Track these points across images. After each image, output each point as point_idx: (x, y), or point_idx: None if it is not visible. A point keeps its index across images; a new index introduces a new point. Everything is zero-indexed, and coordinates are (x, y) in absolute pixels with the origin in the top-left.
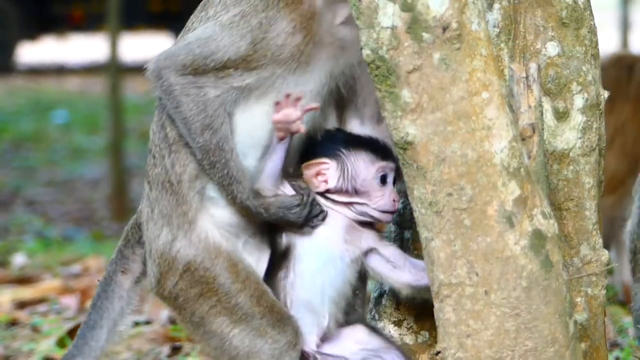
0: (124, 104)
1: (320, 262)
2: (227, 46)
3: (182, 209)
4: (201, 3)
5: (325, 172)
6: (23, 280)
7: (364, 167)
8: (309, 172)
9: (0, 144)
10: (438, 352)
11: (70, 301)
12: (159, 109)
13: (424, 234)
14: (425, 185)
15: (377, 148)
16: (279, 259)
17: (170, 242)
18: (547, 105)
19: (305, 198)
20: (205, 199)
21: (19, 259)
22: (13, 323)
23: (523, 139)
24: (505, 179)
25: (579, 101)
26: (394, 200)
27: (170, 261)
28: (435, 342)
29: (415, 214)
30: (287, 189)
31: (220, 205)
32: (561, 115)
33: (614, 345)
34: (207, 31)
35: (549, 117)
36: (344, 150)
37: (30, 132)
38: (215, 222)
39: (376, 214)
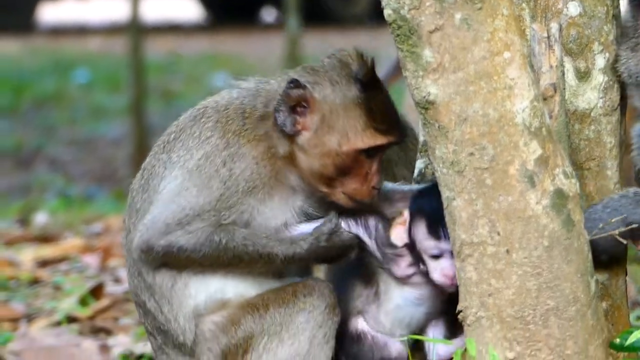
0: (145, 63)
1: (403, 301)
2: (199, 193)
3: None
4: (159, 143)
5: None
6: (45, 238)
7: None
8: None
9: (22, 103)
10: (459, 312)
11: (91, 259)
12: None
13: (445, 193)
14: (447, 144)
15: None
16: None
17: None
18: (568, 65)
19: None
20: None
21: (40, 218)
22: (35, 281)
23: (544, 99)
24: (527, 139)
25: (600, 61)
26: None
27: None
28: None
29: (437, 174)
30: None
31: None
32: (582, 75)
33: (635, 304)
34: (176, 182)
35: (570, 77)
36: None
37: (52, 92)
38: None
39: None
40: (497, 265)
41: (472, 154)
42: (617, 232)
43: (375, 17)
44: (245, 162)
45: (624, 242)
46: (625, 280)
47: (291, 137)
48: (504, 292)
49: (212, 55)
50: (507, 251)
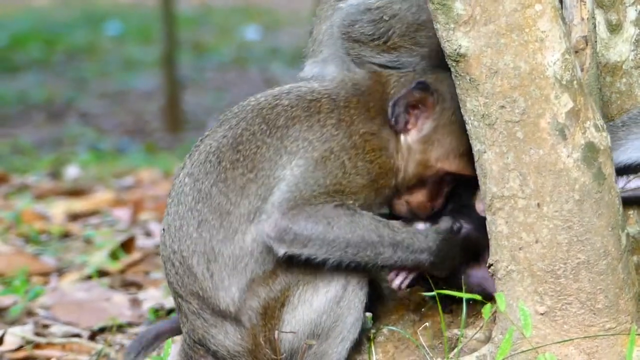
0: (177, 15)
1: None
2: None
3: None
4: (254, 121)
5: None
6: (76, 192)
7: None
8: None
9: (53, 56)
10: (490, 265)
11: (122, 213)
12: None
13: (476, 146)
14: (478, 97)
15: None
16: None
17: None
18: (599, 18)
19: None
20: None
21: (72, 171)
22: (66, 235)
23: (576, 52)
24: (558, 92)
25: (632, 13)
26: None
27: None
28: None
29: (468, 127)
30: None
31: None
32: (614, 28)
33: None
34: (301, 169)
35: (601, 30)
36: None
37: (83, 44)
38: None
39: None
40: (527, 219)
41: (503, 106)
42: None
43: None
44: (366, 160)
45: None
46: None
47: (396, 134)
48: (534, 245)
49: (243, 8)
50: (538, 205)
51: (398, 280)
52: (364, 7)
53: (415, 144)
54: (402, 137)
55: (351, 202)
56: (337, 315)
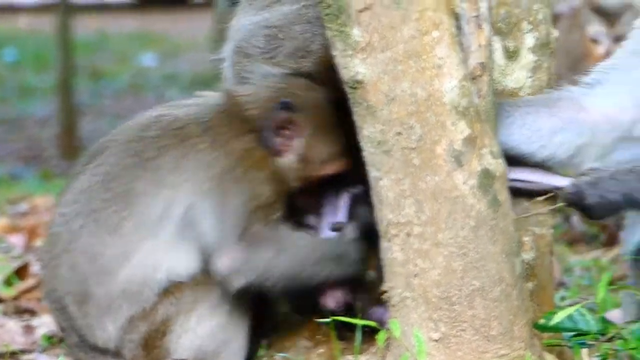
0: (73, 42)
1: None
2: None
3: None
4: (125, 156)
5: None
6: None
7: None
8: None
9: None
10: (384, 292)
11: (17, 240)
12: None
13: (372, 173)
14: (375, 124)
15: None
16: None
17: None
18: (497, 44)
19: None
20: None
21: None
22: None
23: (473, 78)
24: (455, 118)
25: (529, 40)
26: None
27: None
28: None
29: (365, 153)
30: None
31: None
32: (511, 54)
33: (560, 284)
34: (205, 206)
35: (499, 56)
36: None
37: None
38: None
39: None
40: (423, 246)
41: (399, 133)
42: (541, 211)
43: None
44: (256, 169)
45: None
46: (551, 261)
47: (275, 155)
48: (429, 272)
49: (141, 34)
50: (434, 231)
51: (331, 302)
52: (264, 23)
53: (293, 162)
54: (281, 158)
55: (275, 215)
56: (222, 341)
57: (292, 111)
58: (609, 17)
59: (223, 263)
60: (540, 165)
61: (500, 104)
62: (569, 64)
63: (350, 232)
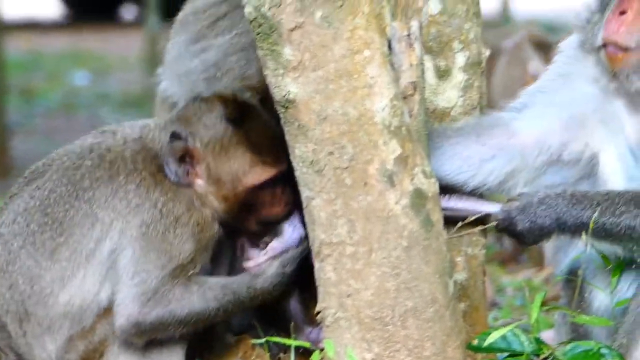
0: (5, 61)
1: None
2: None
3: None
4: (62, 180)
5: None
6: None
7: None
8: None
9: None
10: (318, 312)
11: None
12: None
13: (305, 192)
14: (307, 143)
15: None
16: None
17: None
18: (428, 64)
19: None
20: None
21: None
22: None
23: (404, 98)
24: (386, 138)
25: (460, 59)
26: None
27: None
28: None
29: (297, 173)
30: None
31: None
32: (442, 74)
33: (493, 304)
34: (128, 253)
35: (430, 76)
36: None
37: None
38: None
39: None
40: (355, 266)
41: (331, 153)
42: (472, 231)
43: None
44: (181, 224)
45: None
46: (484, 281)
47: (186, 186)
48: (362, 292)
49: (73, 53)
50: (366, 251)
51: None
52: (202, 67)
53: (208, 187)
54: (194, 187)
55: (192, 271)
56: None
57: (185, 140)
58: (550, 52)
59: (120, 321)
60: (472, 193)
61: (431, 134)
62: (510, 99)
63: (273, 266)
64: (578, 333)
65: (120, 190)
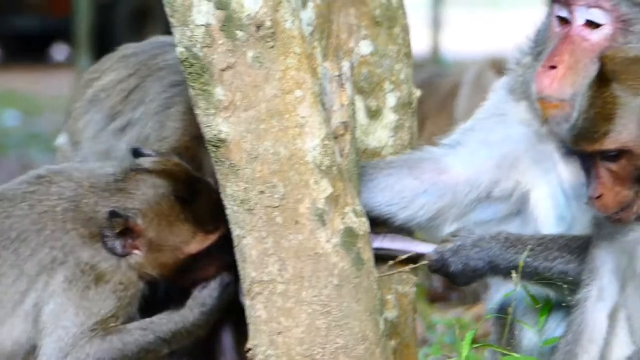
0: None
1: None
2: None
3: None
4: None
5: None
6: None
7: None
8: None
9: None
10: (249, 350)
11: None
12: None
13: (236, 231)
14: (238, 183)
15: None
16: None
17: None
18: (360, 104)
19: None
20: None
21: None
22: None
23: (336, 138)
24: (318, 177)
25: (391, 100)
26: None
27: None
28: None
29: (228, 212)
30: None
31: None
32: (374, 114)
33: (424, 342)
34: (50, 308)
35: (361, 116)
36: None
37: None
38: None
39: None
40: (287, 304)
41: (262, 192)
42: (404, 269)
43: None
44: (104, 282)
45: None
46: (414, 319)
47: (123, 256)
48: (293, 330)
49: (3, 94)
50: (297, 290)
51: None
52: (126, 145)
53: (147, 256)
54: (130, 258)
55: (113, 325)
56: None
57: (121, 217)
58: None
59: None
60: (402, 227)
61: (364, 166)
62: None
63: (194, 304)
64: None
65: (46, 246)
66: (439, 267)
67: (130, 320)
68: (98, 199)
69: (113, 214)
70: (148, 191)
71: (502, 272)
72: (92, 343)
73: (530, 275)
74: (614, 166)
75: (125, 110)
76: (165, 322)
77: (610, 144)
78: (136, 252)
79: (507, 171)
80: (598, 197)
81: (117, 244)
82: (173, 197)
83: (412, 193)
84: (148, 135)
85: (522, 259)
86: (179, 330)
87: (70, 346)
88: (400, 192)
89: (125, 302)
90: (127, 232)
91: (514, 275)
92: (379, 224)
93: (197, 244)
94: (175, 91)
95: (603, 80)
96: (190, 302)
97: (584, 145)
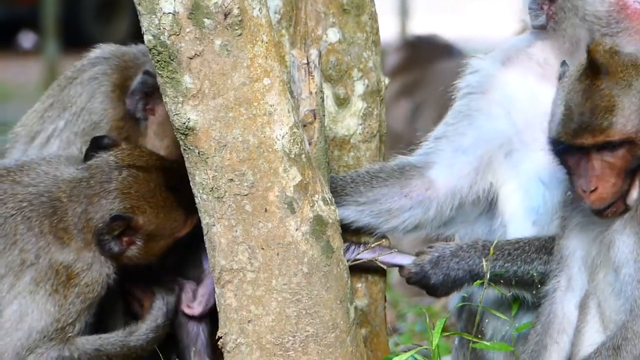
0: None
1: None
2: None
3: None
4: None
5: None
6: None
7: None
8: None
9: None
10: (219, 338)
11: None
12: None
13: (205, 219)
14: (207, 170)
15: None
16: None
17: None
18: (328, 92)
19: None
20: None
21: None
22: None
23: (304, 125)
24: (287, 165)
25: (359, 87)
26: None
27: None
28: None
29: (197, 200)
30: None
31: None
32: (342, 102)
33: (394, 330)
34: (13, 308)
35: (329, 104)
36: None
37: None
38: None
39: None
40: (256, 292)
41: (231, 180)
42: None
43: (136, 40)
44: (72, 285)
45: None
46: (385, 307)
47: (117, 253)
48: (263, 318)
49: None
50: (267, 278)
51: None
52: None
53: (139, 250)
54: (125, 252)
55: (70, 334)
56: None
57: (125, 220)
58: None
59: None
60: (383, 235)
61: (356, 183)
62: None
63: (146, 322)
64: (476, 358)
65: (16, 248)
66: (418, 279)
67: (85, 325)
68: (76, 204)
69: (115, 218)
70: (141, 187)
71: (482, 280)
72: (49, 353)
73: (510, 279)
74: (610, 157)
75: (43, 127)
76: (120, 340)
77: (615, 134)
78: (132, 247)
79: (483, 172)
80: (593, 191)
81: (114, 243)
82: (164, 188)
83: (400, 210)
84: (82, 129)
85: (501, 264)
86: (132, 349)
87: (27, 350)
88: (389, 209)
89: (87, 304)
90: (125, 230)
91: (491, 284)
92: (361, 233)
93: (187, 227)
94: (95, 83)
95: (594, 72)
96: (139, 323)
97: (586, 138)
